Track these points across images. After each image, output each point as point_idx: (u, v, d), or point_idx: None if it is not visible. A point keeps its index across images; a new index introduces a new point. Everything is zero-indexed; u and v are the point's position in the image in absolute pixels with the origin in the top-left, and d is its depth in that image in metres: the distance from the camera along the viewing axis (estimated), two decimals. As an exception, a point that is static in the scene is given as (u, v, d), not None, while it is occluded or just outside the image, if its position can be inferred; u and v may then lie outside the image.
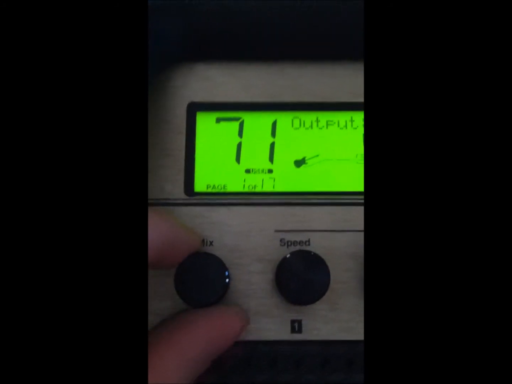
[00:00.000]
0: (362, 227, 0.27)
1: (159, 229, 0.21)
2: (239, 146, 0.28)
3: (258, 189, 0.28)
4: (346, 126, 0.29)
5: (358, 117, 0.29)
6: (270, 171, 0.28)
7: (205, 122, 0.28)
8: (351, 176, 0.28)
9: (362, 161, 0.28)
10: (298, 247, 0.27)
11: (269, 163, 0.28)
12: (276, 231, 0.27)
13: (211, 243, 0.27)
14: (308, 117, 0.28)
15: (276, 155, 0.28)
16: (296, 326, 0.26)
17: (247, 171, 0.28)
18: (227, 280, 0.25)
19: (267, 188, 0.28)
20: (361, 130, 0.28)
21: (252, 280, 0.26)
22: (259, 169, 0.28)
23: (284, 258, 0.25)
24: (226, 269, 0.25)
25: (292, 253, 0.25)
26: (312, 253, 0.25)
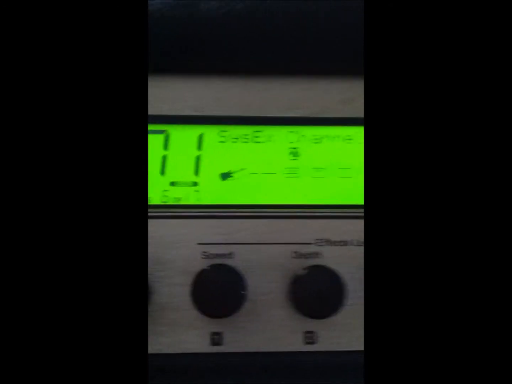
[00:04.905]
0: (286, 240, 0.28)
1: None
2: (164, 158, 0.28)
3: (183, 201, 0.28)
4: (273, 140, 0.29)
5: (286, 131, 0.29)
6: (195, 184, 0.28)
7: (130, 134, 0.28)
8: (276, 190, 0.28)
9: (289, 175, 0.29)
10: (220, 260, 0.27)
11: (194, 176, 0.28)
12: (199, 243, 0.27)
13: (134, 255, 0.27)
14: (235, 130, 0.29)
15: (202, 168, 0.28)
16: (216, 339, 0.26)
17: (172, 183, 0.28)
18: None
19: (192, 201, 0.28)
20: (287, 144, 0.29)
21: (173, 293, 0.27)
22: (184, 182, 0.28)
23: (202, 270, 0.25)
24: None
25: (211, 266, 0.25)
26: (231, 266, 0.25)
